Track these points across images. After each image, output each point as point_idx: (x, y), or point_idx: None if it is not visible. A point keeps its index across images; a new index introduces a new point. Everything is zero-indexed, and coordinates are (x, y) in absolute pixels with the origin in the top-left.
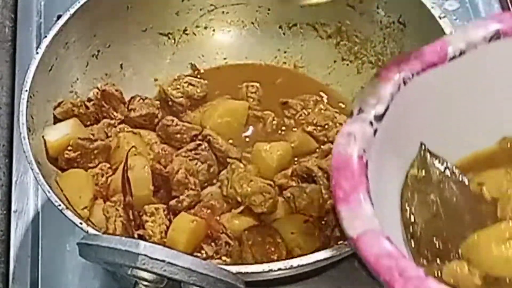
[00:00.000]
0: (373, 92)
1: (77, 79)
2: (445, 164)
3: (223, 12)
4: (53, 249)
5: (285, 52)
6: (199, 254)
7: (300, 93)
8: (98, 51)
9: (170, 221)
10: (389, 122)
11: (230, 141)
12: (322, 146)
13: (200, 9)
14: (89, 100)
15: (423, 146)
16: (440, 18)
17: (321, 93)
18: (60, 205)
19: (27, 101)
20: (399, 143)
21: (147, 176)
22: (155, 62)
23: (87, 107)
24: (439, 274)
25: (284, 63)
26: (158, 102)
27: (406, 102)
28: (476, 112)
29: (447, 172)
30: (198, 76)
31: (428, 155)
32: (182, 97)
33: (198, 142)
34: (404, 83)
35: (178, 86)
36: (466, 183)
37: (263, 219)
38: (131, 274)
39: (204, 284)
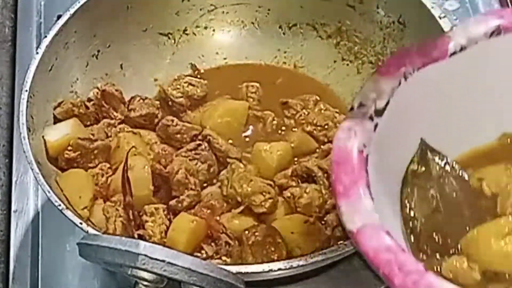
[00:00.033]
0: (373, 86)
1: (77, 79)
2: (445, 159)
3: (223, 12)
4: (53, 249)
5: (285, 52)
6: (199, 254)
7: (300, 93)
8: (98, 51)
9: (170, 221)
10: (390, 117)
11: (230, 141)
12: (322, 146)
13: (200, 9)
14: (89, 100)
15: (423, 141)
16: (440, 18)
17: (321, 93)
18: (60, 205)
19: (27, 101)
20: (399, 138)
21: (147, 176)
22: (155, 62)
23: (87, 107)
24: (439, 269)
25: (284, 63)
26: (158, 102)
27: (406, 97)
28: (476, 108)
29: (447, 168)
30: (198, 76)
31: (428, 150)
32: (182, 97)
33: (198, 142)
34: (405, 78)
35: (178, 86)
36: (466, 178)
37: (263, 219)
38: (131, 274)
39: (204, 284)
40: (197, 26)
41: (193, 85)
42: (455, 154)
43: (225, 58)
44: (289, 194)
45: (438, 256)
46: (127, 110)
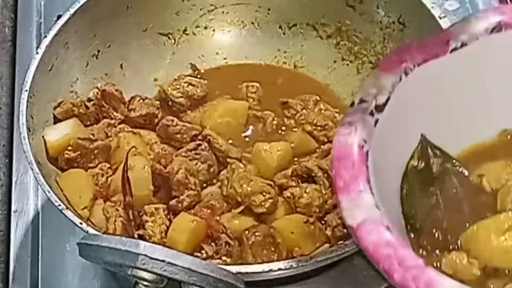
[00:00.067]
0: (374, 82)
1: (77, 79)
2: (445, 155)
3: (223, 12)
4: (53, 249)
5: (285, 52)
6: (199, 254)
7: (300, 93)
8: (98, 51)
9: (170, 221)
10: (390, 113)
11: (230, 141)
12: (322, 146)
13: (200, 9)
14: (89, 100)
15: (423, 137)
16: (440, 18)
17: (321, 93)
18: (60, 205)
19: (27, 101)
20: (399, 133)
21: (147, 176)
22: (155, 62)
23: (87, 107)
24: (438, 265)
25: (284, 63)
26: (158, 102)
27: (407, 92)
28: (477, 104)
29: (447, 164)
30: (198, 76)
31: (428, 146)
32: (182, 97)
33: (198, 142)
34: (406, 74)
35: (178, 86)
36: (466, 174)
37: (263, 219)
38: (131, 274)
39: (204, 284)
40: (197, 26)
41: (193, 85)
42: (455, 150)
43: (225, 58)
44: (289, 194)
45: (438, 252)
46: (127, 110)
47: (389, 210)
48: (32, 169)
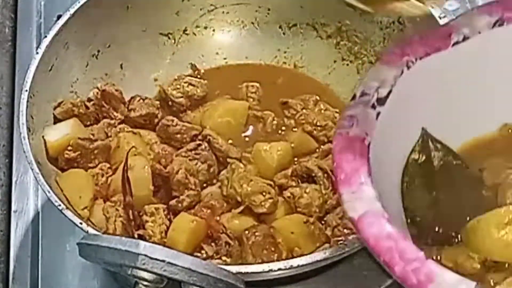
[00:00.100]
0: (376, 75)
1: (77, 79)
2: (446, 149)
3: (223, 12)
4: (53, 249)
5: (285, 52)
6: (199, 254)
7: (300, 93)
8: (98, 51)
9: (170, 221)
10: (392, 106)
11: (230, 141)
12: (322, 146)
13: (200, 9)
14: (89, 100)
15: (424, 131)
16: (440, 18)
17: (321, 93)
18: (60, 205)
19: (27, 101)
20: (401, 127)
21: (147, 176)
22: (155, 62)
23: (87, 107)
24: (439, 258)
25: (284, 63)
26: (158, 102)
27: (409, 86)
28: (478, 98)
29: (448, 157)
30: (198, 76)
31: (429, 139)
32: (182, 97)
33: (198, 142)
34: (408, 67)
35: (178, 86)
36: (467, 168)
37: (263, 219)
38: (131, 274)
39: (204, 284)
40: (197, 26)
41: (193, 85)
42: (456, 143)
43: (225, 58)
44: (289, 194)
45: (438, 245)
46: (127, 110)
47: (389, 203)
48: (32, 169)
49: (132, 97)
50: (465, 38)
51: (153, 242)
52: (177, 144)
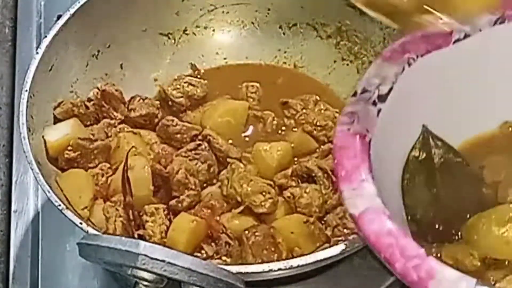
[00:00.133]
0: (377, 72)
1: (77, 79)
2: (446, 146)
3: (223, 12)
4: (53, 249)
5: (285, 52)
6: (199, 254)
7: (300, 93)
8: (98, 51)
9: (170, 221)
10: (393, 103)
11: (230, 141)
12: (322, 146)
13: (200, 9)
14: (89, 100)
15: (425, 128)
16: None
17: (321, 93)
18: (60, 205)
19: (27, 101)
20: (401, 124)
21: (147, 176)
22: (155, 62)
23: (87, 107)
24: (439, 256)
25: (284, 63)
26: (158, 102)
27: (409, 83)
28: (478, 96)
29: (449, 155)
30: (198, 76)
31: (430, 137)
32: (182, 97)
33: (198, 142)
34: (409, 64)
35: (178, 86)
36: (467, 166)
37: (263, 219)
38: (131, 274)
39: (204, 284)
40: (197, 26)
41: (193, 85)
42: (456, 141)
43: (225, 58)
44: (289, 194)
45: (438, 243)
46: (127, 110)
47: (390, 200)
48: (32, 169)
49: (132, 97)
50: (466, 36)
51: (153, 242)
52: (177, 144)
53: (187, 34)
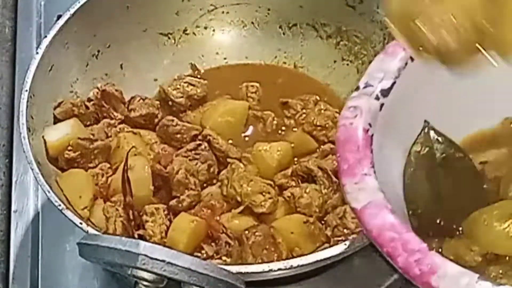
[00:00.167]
0: (380, 66)
1: (77, 79)
2: (448, 141)
3: (223, 12)
4: (53, 249)
5: (285, 52)
6: (199, 254)
7: (300, 93)
8: (98, 51)
9: (170, 221)
10: (395, 98)
11: (230, 141)
12: (322, 146)
13: (200, 9)
14: (89, 100)
15: (427, 123)
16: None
17: (321, 93)
18: (60, 205)
19: (27, 101)
20: (404, 119)
21: (147, 176)
22: (155, 62)
23: (87, 107)
24: (440, 251)
25: (284, 63)
26: (158, 102)
27: (412, 78)
28: (480, 91)
29: (450, 150)
30: (198, 76)
31: (431, 132)
32: (182, 97)
33: (198, 142)
34: (411, 59)
35: (178, 86)
36: (469, 161)
37: (263, 219)
38: (131, 274)
39: (204, 284)
40: (197, 26)
41: (193, 85)
42: (458, 136)
43: (225, 58)
44: (289, 194)
45: (439, 237)
46: (127, 110)
47: (391, 195)
48: (32, 169)
49: (132, 97)
50: None
51: (153, 242)
52: (177, 144)
53: (187, 34)
